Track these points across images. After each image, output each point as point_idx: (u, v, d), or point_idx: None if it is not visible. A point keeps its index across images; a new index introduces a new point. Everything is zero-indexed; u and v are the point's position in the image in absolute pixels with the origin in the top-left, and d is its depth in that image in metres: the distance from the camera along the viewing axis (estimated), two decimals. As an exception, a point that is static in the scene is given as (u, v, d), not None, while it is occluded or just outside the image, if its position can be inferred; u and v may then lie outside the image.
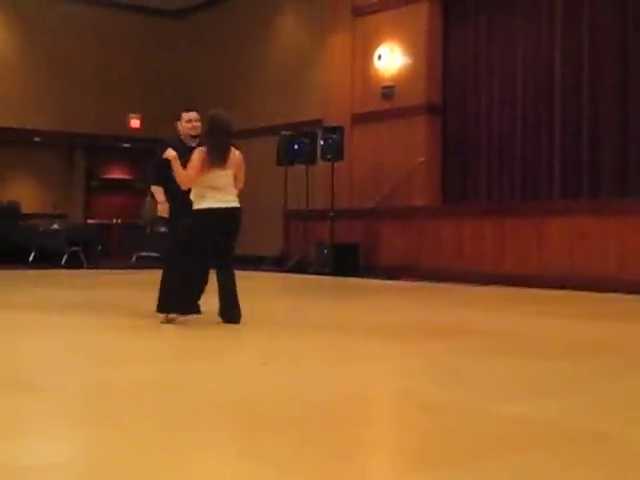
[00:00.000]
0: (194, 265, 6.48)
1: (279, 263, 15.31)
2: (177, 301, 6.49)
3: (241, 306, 6.56)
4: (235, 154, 6.57)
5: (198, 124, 6.93)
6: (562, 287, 10.79)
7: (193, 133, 6.89)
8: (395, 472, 2.85)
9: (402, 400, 4.01)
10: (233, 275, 6.63)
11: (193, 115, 6.94)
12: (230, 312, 6.55)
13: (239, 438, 3.13)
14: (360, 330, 6.59)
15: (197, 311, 6.71)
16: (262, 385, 4.22)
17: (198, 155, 6.43)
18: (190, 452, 2.95)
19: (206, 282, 6.67)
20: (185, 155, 6.53)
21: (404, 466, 2.90)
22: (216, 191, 6.43)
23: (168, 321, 6.46)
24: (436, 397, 3.98)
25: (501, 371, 4.77)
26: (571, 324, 7.42)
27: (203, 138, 6.57)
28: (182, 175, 6.47)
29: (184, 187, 6.53)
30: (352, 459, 2.90)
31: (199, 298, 6.70)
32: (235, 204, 6.56)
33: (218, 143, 6.44)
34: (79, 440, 3.16)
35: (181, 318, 6.50)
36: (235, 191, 6.59)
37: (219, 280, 6.61)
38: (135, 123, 20.06)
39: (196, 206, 6.49)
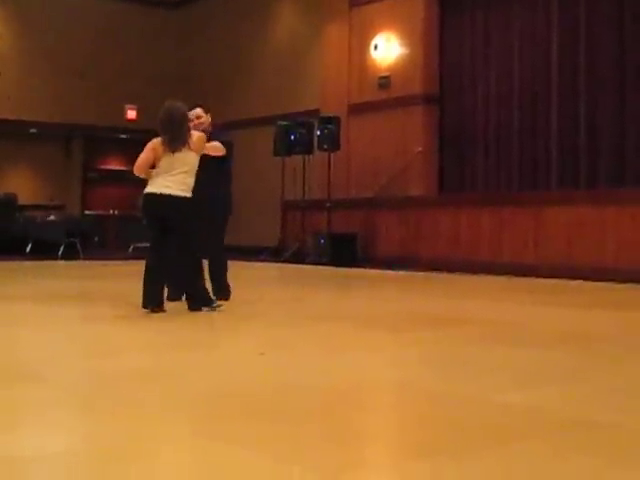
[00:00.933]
0: (156, 256, 6.57)
1: (276, 253, 15.31)
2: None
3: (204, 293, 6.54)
4: (194, 137, 6.61)
5: (202, 119, 7.15)
6: (560, 276, 10.81)
7: (199, 128, 7.00)
8: (394, 460, 2.85)
9: (400, 389, 4.01)
10: (188, 260, 6.58)
11: (193, 113, 7.07)
12: (188, 298, 6.58)
13: (237, 428, 3.13)
14: (358, 320, 6.60)
15: (174, 298, 6.83)
16: (260, 375, 4.22)
17: (147, 146, 6.60)
18: (187, 442, 2.96)
19: (169, 275, 6.70)
20: None
21: (403, 454, 2.90)
22: (161, 176, 6.49)
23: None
24: (434, 386, 3.98)
25: (499, 360, 4.78)
26: (568, 313, 7.43)
27: (159, 129, 6.64)
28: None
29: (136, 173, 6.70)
30: (351, 448, 2.91)
31: (174, 290, 6.81)
32: (172, 191, 6.47)
33: (172, 131, 6.50)
34: (78, 430, 3.16)
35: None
36: (187, 178, 6.54)
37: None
38: (132, 114, 20.02)
39: None
